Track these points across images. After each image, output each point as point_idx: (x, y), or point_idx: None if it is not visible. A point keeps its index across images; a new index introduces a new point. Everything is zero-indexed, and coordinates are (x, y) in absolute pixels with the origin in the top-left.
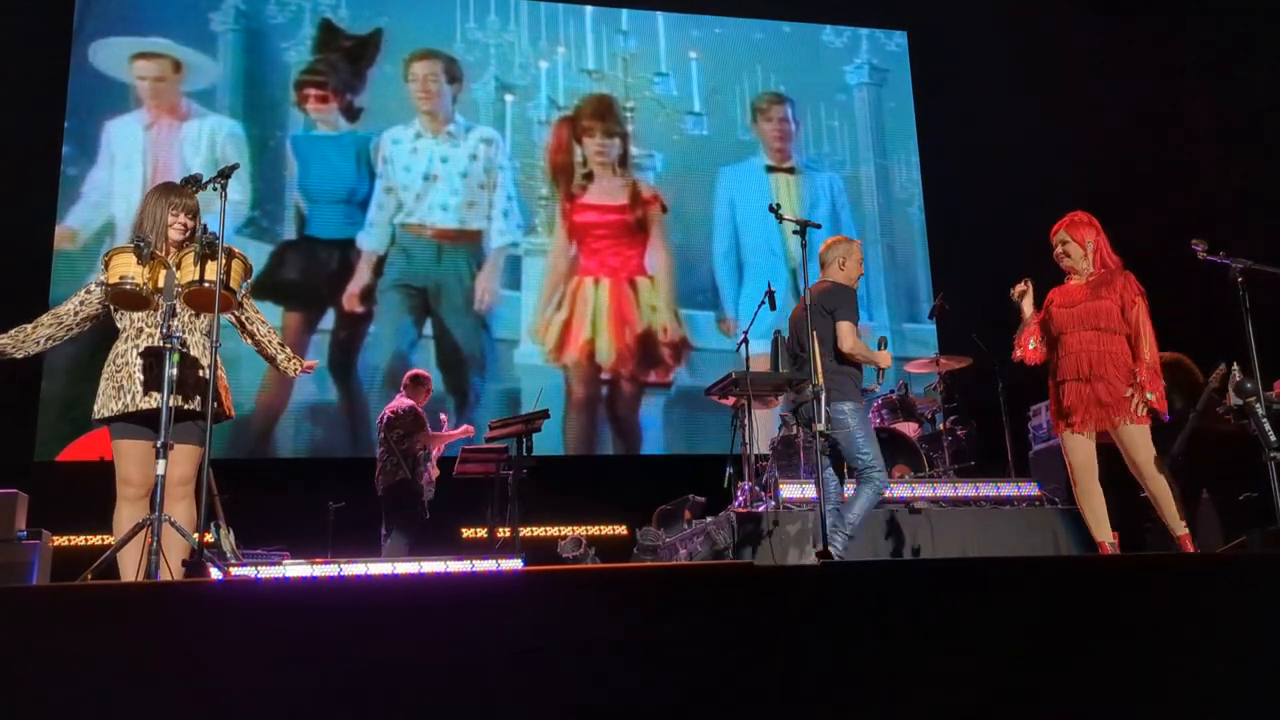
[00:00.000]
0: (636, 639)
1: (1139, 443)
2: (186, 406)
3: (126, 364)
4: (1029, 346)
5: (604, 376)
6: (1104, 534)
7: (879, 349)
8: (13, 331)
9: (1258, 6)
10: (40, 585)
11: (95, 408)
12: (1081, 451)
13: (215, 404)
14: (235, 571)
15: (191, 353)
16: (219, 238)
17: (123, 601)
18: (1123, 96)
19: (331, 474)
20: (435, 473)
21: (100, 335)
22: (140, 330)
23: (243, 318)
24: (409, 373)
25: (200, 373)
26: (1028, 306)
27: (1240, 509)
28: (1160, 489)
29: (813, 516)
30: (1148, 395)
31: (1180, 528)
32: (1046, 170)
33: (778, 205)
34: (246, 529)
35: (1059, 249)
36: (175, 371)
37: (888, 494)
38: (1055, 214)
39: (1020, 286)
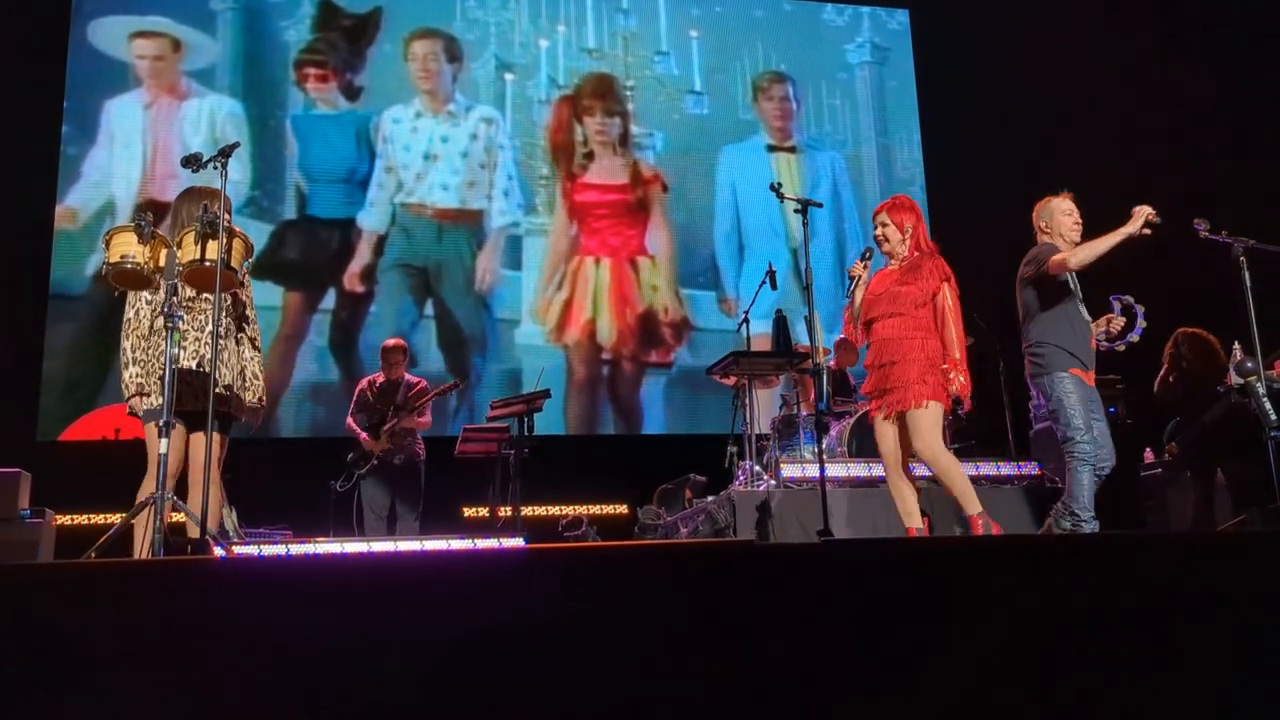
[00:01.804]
0: (638, 616)
1: (921, 428)
2: (221, 409)
3: (175, 367)
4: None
5: (605, 356)
6: (914, 521)
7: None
8: (139, 374)
9: None
10: (44, 563)
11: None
12: (887, 439)
13: (231, 391)
14: (238, 550)
15: (222, 368)
16: (219, 217)
17: (125, 579)
18: (1125, 75)
19: (333, 453)
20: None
21: (101, 317)
22: (185, 334)
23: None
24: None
25: (218, 389)
26: (859, 292)
27: (1251, 488)
28: (948, 469)
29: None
30: (958, 380)
31: (974, 508)
32: (1048, 150)
33: (779, 184)
34: (248, 508)
35: (879, 230)
36: (177, 350)
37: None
38: (1058, 192)
39: (856, 267)
